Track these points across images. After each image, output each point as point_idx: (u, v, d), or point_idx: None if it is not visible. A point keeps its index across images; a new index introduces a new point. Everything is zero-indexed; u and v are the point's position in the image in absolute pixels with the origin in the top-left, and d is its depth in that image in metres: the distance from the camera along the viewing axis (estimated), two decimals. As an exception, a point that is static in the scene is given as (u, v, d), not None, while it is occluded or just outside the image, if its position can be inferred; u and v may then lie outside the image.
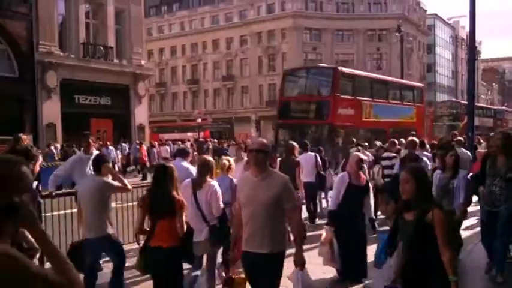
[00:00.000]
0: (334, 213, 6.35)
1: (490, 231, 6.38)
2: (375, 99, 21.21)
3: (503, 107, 57.70)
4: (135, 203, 7.72)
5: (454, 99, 58.46)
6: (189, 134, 41.88)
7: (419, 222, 3.58)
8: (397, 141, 11.30)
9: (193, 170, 6.32)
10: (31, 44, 22.78)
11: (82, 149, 8.22)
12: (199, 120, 44.20)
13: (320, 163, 10.93)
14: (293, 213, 4.24)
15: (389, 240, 4.08)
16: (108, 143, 23.19)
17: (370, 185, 6.99)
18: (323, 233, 6.36)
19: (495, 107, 52.65)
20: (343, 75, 20.09)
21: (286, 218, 4.26)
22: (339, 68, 21.38)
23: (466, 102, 17.13)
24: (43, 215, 6.77)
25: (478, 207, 7.53)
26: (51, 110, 23.82)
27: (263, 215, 4.10)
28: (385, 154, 10.58)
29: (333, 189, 6.51)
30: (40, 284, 1.71)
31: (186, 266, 5.14)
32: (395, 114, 22.07)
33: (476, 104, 21.38)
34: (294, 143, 9.85)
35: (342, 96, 19.04)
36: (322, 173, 11.08)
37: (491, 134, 7.97)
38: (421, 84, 28.94)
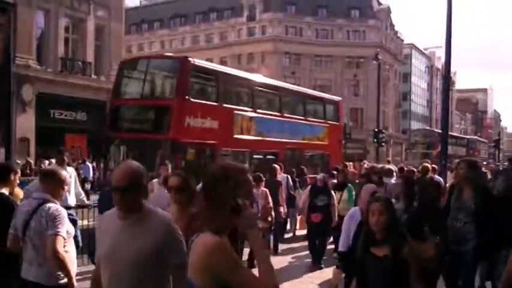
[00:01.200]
0: (345, 254, 5.22)
1: (454, 272, 5.69)
2: (259, 111, 15.16)
3: (476, 137, 58.94)
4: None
5: (428, 128, 59.55)
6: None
7: (396, 258, 3.42)
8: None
9: None
10: (8, 56, 22.47)
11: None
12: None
13: (291, 184, 12.05)
14: (180, 275, 2.73)
15: (358, 282, 3.77)
16: (85, 159, 22.93)
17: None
18: (332, 276, 5.43)
19: (468, 137, 53.73)
20: (198, 70, 13.61)
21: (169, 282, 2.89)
22: (191, 59, 13.55)
23: (440, 131, 17.39)
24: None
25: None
26: (25, 124, 23.38)
27: (127, 279, 2.70)
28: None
29: (342, 229, 5.52)
30: (238, 277, 2.07)
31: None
32: (296, 133, 16.95)
33: (450, 133, 21.71)
34: (276, 166, 11.00)
35: (194, 100, 12.78)
36: (293, 193, 12.12)
37: (456, 161, 7.19)
38: (337, 98, 22.20)
